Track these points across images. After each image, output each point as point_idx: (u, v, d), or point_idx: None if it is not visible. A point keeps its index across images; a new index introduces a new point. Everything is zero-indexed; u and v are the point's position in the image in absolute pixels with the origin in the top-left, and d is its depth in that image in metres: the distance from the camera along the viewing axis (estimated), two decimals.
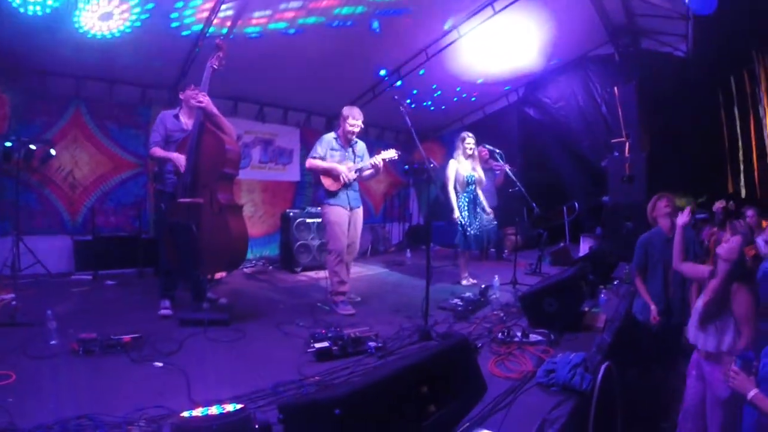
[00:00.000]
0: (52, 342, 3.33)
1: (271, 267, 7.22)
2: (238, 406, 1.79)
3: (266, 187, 8.36)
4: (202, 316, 3.93)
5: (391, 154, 4.78)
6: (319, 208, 4.96)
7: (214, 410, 1.75)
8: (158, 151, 4.27)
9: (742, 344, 2.67)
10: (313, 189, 8.74)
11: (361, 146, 5.00)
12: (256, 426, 1.73)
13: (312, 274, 6.70)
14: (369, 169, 4.87)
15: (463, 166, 5.84)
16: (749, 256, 2.84)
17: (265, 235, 8.29)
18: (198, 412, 1.75)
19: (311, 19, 5.89)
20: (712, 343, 2.79)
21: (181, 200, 4.07)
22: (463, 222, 5.73)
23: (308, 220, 6.94)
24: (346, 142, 4.88)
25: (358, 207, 4.92)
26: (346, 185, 4.79)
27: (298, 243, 6.81)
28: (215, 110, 4.23)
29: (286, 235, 6.89)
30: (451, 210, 5.75)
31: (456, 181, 5.79)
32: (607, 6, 6.96)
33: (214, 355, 3.33)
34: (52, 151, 5.85)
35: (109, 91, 6.31)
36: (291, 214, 6.90)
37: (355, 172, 4.83)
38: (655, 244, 4.11)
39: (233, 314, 4.19)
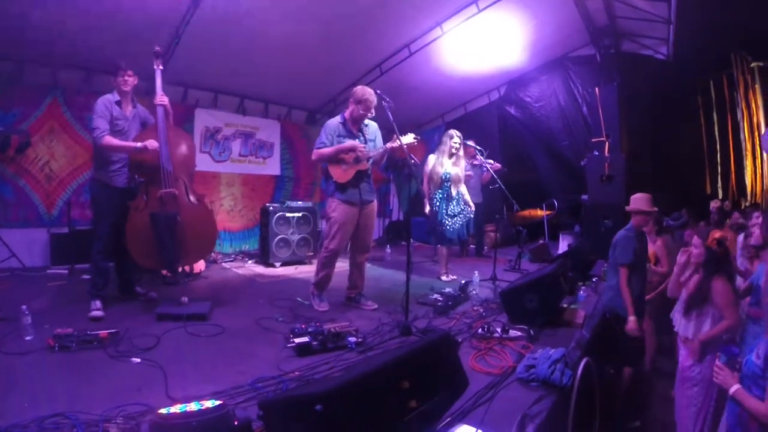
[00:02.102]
0: (28, 338, 3.27)
1: (249, 261, 7.17)
2: (217, 403, 1.76)
3: (246, 180, 8.31)
4: (181, 311, 3.90)
5: (409, 138, 4.26)
6: (327, 202, 4.53)
7: (192, 407, 1.73)
8: (113, 141, 4.02)
9: (723, 326, 2.90)
10: (301, 185, 8.73)
11: (372, 128, 4.57)
12: (236, 423, 1.71)
13: (291, 269, 6.68)
14: (378, 152, 4.44)
15: (441, 163, 5.85)
16: (714, 246, 3.01)
17: (244, 229, 8.26)
18: (176, 408, 1.72)
19: None
20: (691, 330, 3.04)
21: (164, 191, 4.05)
22: (436, 219, 5.77)
23: (288, 215, 6.90)
24: (355, 127, 4.46)
25: (371, 201, 4.57)
26: (359, 176, 4.38)
27: (278, 237, 6.77)
28: (170, 109, 4.33)
29: (266, 229, 6.83)
30: (424, 205, 5.84)
31: (430, 177, 5.83)
32: (589, 7, 7.02)
33: (193, 351, 3.29)
34: (28, 141, 5.70)
35: (87, 81, 6.17)
36: (271, 208, 6.84)
37: (368, 161, 4.42)
38: (640, 242, 4.12)
39: (212, 309, 4.14)
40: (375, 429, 1.53)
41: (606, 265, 5.83)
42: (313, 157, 4.47)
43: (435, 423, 2.05)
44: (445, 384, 1.98)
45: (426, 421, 1.85)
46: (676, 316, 3.21)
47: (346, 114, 4.46)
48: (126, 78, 4.14)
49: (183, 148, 4.38)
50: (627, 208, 4.04)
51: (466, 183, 6.10)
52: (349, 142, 4.34)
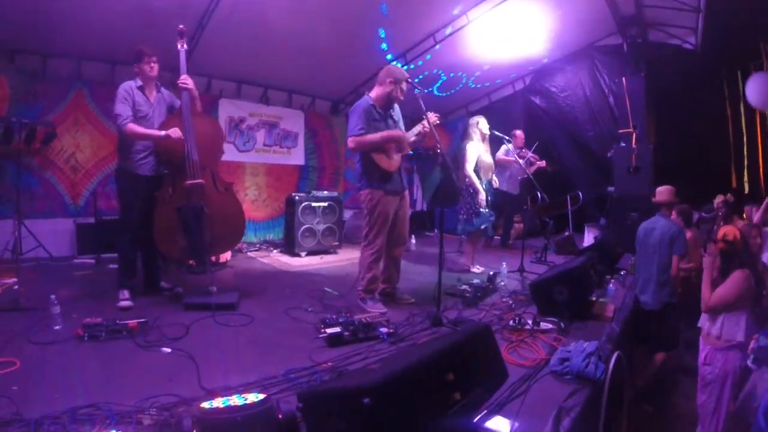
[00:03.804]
0: (56, 327, 3.27)
1: (274, 251, 7.19)
2: (260, 396, 1.71)
3: (270, 170, 8.33)
4: (209, 301, 3.89)
5: (433, 118, 4.08)
6: (362, 193, 4.13)
7: (235, 400, 1.67)
8: (137, 128, 3.94)
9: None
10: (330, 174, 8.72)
11: (397, 110, 4.28)
12: (280, 416, 1.67)
13: (317, 258, 6.69)
14: (414, 137, 4.21)
15: (483, 151, 5.70)
16: (722, 247, 2.95)
17: (269, 219, 8.29)
18: (219, 402, 1.67)
19: None
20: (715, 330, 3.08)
21: (190, 182, 4.02)
22: (482, 207, 5.59)
23: (314, 204, 6.90)
24: (386, 109, 4.14)
25: (406, 189, 4.34)
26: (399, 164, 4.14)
27: (303, 227, 6.78)
28: (196, 93, 4.25)
29: (291, 218, 6.84)
30: (475, 192, 5.55)
31: (479, 165, 5.62)
32: None
33: (222, 341, 3.27)
34: (54, 133, 5.76)
35: (111, 73, 6.20)
36: (297, 197, 6.85)
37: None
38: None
39: (239, 299, 4.14)
40: (421, 422, 1.48)
41: (632, 258, 5.77)
42: (352, 144, 4.03)
43: (474, 414, 2.00)
44: (485, 376, 1.94)
45: (467, 412, 1.80)
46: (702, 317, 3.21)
47: (374, 95, 4.14)
48: (152, 64, 4.08)
49: (210, 136, 4.31)
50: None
51: (509, 172, 5.94)
52: (398, 131, 4.12)
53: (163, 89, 4.29)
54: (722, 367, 2.98)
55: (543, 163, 6.42)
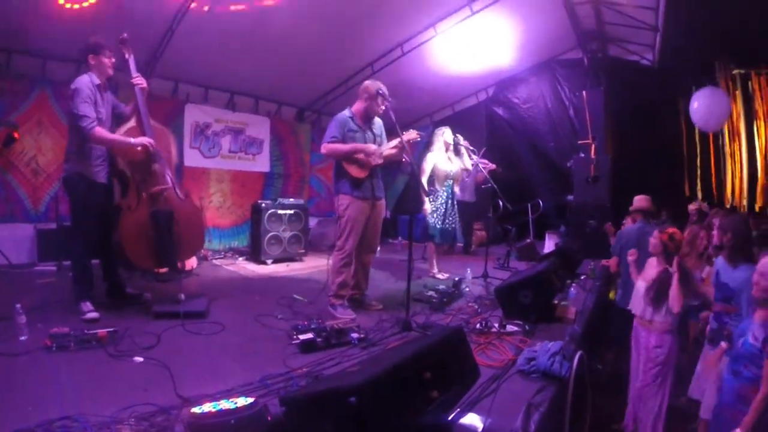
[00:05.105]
0: (22, 338, 3.15)
1: (240, 258, 7.14)
2: (250, 400, 1.76)
3: (235, 177, 8.26)
4: (178, 309, 3.85)
5: (412, 135, 4.20)
6: (335, 199, 4.31)
7: (225, 405, 1.71)
8: (106, 133, 3.71)
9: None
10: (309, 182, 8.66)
11: (378, 124, 4.45)
12: (269, 418, 1.72)
13: (283, 266, 6.68)
14: (392, 150, 4.30)
15: (442, 160, 5.83)
16: (665, 239, 3.32)
17: (233, 226, 8.21)
18: (209, 407, 1.71)
19: None
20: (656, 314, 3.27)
21: (158, 188, 3.98)
22: (433, 216, 5.72)
23: (280, 212, 6.88)
24: (365, 122, 4.33)
25: (381, 198, 4.43)
26: (371, 173, 4.25)
27: (269, 234, 6.76)
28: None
29: (257, 226, 6.81)
30: (422, 203, 5.66)
31: (434, 175, 5.77)
32: (579, 12, 7.17)
33: (195, 349, 3.26)
34: (16, 135, 5.59)
35: (76, 74, 6.03)
36: (263, 205, 6.82)
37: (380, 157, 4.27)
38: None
39: (208, 306, 4.12)
40: (403, 419, 1.57)
41: (592, 264, 6.04)
42: (324, 151, 4.26)
43: (449, 412, 2.11)
44: (459, 375, 2.05)
45: (443, 410, 1.90)
46: (638, 301, 3.39)
47: (354, 109, 4.33)
48: (112, 59, 3.85)
49: (165, 142, 4.25)
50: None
51: (462, 182, 6.13)
52: (370, 146, 4.23)
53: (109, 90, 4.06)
54: (671, 348, 3.23)
55: (493, 166, 6.62)
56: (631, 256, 3.71)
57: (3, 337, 3.17)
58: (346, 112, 4.32)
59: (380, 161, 4.27)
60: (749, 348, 2.40)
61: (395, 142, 4.24)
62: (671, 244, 3.30)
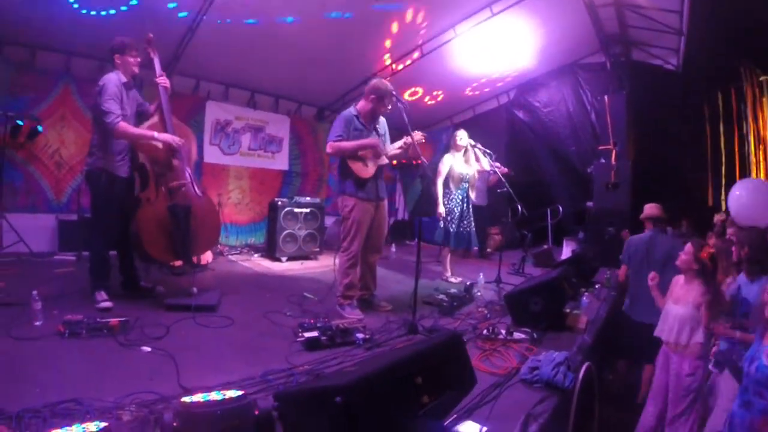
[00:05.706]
0: (37, 323, 3.26)
1: (255, 255, 7.22)
2: (239, 393, 1.80)
3: (254, 174, 8.37)
4: (190, 302, 3.91)
5: (417, 136, 4.24)
6: (339, 199, 4.30)
7: (214, 396, 1.76)
8: (129, 127, 3.81)
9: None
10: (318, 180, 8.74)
11: (383, 123, 4.38)
12: (256, 412, 1.75)
13: (297, 264, 6.72)
14: (397, 150, 4.35)
15: (459, 163, 5.81)
16: (706, 258, 3.13)
17: (251, 223, 8.31)
18: (199, 397, 1.76)
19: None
20: (684, 337, 3.13)
21: (177, 182, 4.06)
22: (447, 219, 5.70)
23: (296, 210, 6.94)
24: (370, 121, 4.27)
25: (384, 198, 4.40)
26: (378, 172, 4.22)
27: (285, 232, 6.81)
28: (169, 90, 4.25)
29: (273, 223, 6.87)
30: (436, 206, 5.70)
31: (450, 177, 5.75)
32: (601, 15, 7.07)
33: (202, 342, 3.32)
34: (39, 128, 5.74)
35: (99, 70, 6.20)
36: (279, 203, 6.89)
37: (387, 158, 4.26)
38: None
39: (220, 301, 4.17)
40: (391, 422, 1.57)
41: (608, 273, 5.92)
42: (329, 150, 4.21)
43: (444, 418, 2.10)
44: (454, 381, 2.03)
45: (436, 416, 1.89)
46: (672, 326, 3.23)
47: (359, 107, 4.28)
48: (138, 58, 3.96)
49: (188, 139, 4.36)
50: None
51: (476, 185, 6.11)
52: (373, 139, 4.20)
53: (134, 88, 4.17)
54: (702, 375, 3.10)
55: (506, 170, 6.56)
56: (652, 280, 3.53)
57: (18, 321, 3.27)
58: (351, 110, 4.27)
59: (386, 161, 4.29)
60: (765, 371, 2.22)
61: (401, 142, 4.27)
62: (710, 265, 3.12)
